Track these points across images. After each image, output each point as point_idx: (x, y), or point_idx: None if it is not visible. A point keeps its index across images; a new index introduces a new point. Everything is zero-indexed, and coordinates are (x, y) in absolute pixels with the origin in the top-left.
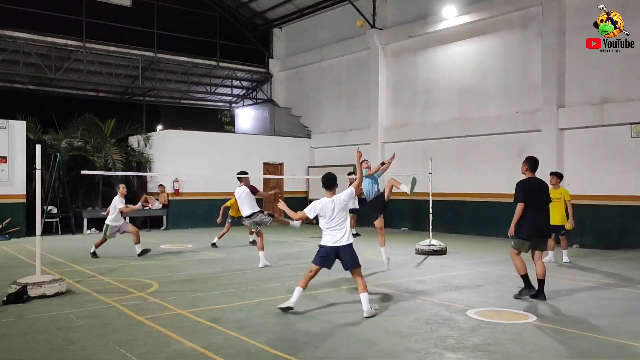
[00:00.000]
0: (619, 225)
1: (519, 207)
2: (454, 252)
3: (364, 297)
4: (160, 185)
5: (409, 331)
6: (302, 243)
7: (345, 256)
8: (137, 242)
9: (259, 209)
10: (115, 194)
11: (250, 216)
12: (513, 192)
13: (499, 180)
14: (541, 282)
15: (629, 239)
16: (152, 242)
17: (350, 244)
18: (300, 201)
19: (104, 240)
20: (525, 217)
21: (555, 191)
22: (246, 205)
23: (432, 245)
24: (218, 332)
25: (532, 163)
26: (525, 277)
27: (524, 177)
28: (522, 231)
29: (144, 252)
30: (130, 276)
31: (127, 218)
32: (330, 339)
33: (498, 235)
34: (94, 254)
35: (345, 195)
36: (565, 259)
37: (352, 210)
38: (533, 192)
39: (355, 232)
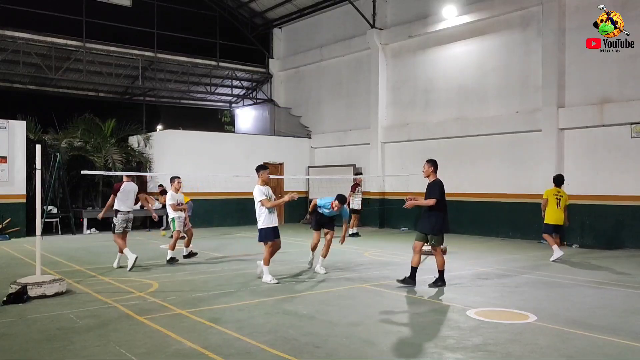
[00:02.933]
0: (619, 225)
1: (432, 201)
2: (454, 252)
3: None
4: (160, 185)
5: (409, 331)
6: (302, 243)
7: None
8: (187, 245)
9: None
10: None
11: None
12: (513, 192)
13: (499, 180)
14: (442, 272)
15: (629, 238)
16: (152, 242)
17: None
18: (300, 201)
19: (178, 236)
20: (441, 214)
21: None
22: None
23: None
24: (218, 332)
25: (436, 165)
26: (415, 270)
27: (437, 178)
28: (442, 227)
29: (173, 259)
30: (130, 276)
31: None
32: (330, 339)
33: (498, 235)
34: (173, 259)
35: (256, 191)
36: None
37: (354, 211)
38: (444, 192)
39: (355, 232)
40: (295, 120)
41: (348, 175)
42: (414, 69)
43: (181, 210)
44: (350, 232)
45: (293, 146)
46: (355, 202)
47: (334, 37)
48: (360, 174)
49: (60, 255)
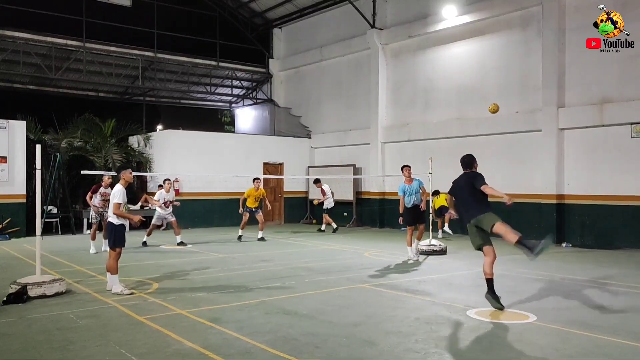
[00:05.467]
0: (619, 225)
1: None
2: (454, 252)
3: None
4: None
5: (409, 331)
6: (302, 243)
7: None
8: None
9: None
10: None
11: None
12: (513, 192)
13: (498, 180)
14: None
15: (629, 239)
16: (152, 242)
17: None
18: (300, 201)
19: (152, 228)
20: None
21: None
22: None
23: (432, 245)
24: (218, 332)
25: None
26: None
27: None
28: None
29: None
30: (130, 276)
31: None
32: (330, 339)
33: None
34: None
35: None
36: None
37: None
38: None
39: (335, 228)
40: (295, 120)
41: (348, 175)
42: (414, 69)
43: (160, 207)
44: (334, 228)
45: (293, 146)
46: (328, 202)
47: (334, 37)
48: (318, 180)
49: (60, 255)
